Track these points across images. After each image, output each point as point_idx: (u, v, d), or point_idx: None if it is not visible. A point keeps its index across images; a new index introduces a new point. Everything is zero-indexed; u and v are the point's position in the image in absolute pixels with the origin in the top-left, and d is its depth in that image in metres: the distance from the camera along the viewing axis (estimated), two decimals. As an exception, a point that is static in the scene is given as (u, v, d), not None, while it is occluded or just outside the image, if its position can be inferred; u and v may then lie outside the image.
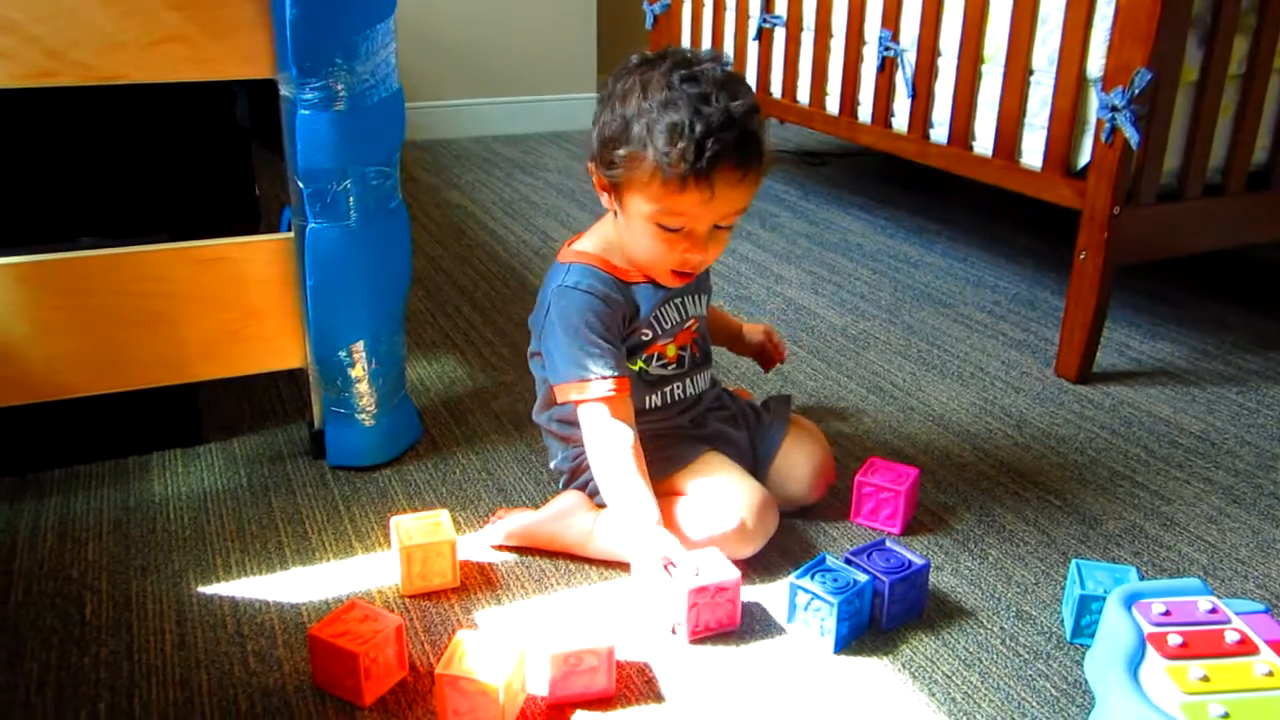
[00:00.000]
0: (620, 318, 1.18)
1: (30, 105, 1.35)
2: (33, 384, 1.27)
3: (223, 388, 1.52)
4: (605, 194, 1.17)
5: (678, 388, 1.26)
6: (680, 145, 1.06)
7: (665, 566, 1.08)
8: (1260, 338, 1.90)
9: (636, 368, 1.22)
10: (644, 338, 1.22)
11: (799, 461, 1.29)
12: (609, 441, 1.14)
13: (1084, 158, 1.66)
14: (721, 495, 1.17)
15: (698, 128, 1.06)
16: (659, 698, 1.00)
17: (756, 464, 1.28)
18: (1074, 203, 1.66)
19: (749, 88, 1.13)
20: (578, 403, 1.16)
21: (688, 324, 1.25)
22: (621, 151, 1.10)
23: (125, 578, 1.15)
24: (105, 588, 1.13)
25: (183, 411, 1.43)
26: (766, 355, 1.48)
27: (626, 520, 1.13)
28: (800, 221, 2.57)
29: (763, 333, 1.48)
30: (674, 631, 1.08)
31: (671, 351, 1.24)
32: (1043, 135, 1.72)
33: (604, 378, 1.14)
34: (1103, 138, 1.57)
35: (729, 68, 1.14)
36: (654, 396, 1.24)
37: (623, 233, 1.18)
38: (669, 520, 1.16)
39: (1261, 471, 1.44)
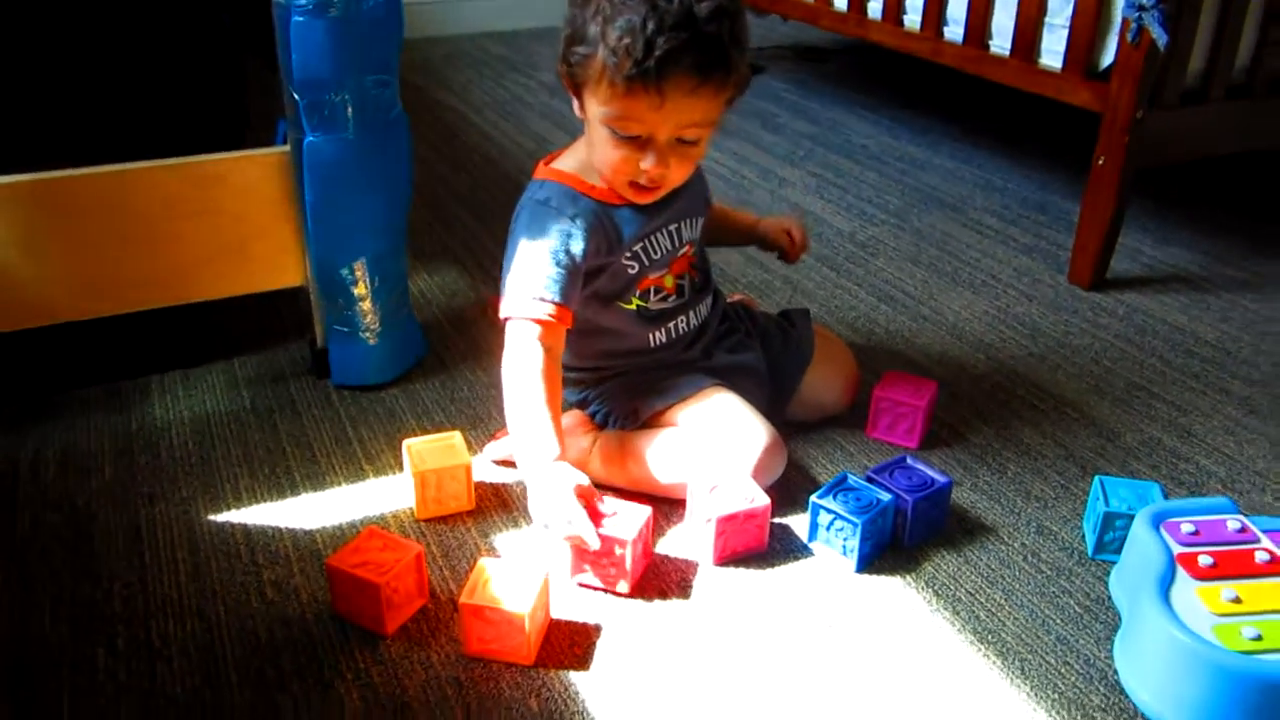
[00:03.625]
0: (593, 243, 1.10)
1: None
2: (24, 309, 1.22)
3: (219, 307, 1.47)
4: (573, 98, 1.09)
5: (681, 321, 1.20)
6: (627, 43, 0.98)
7: (587, 508, 1.01)
8: (1272, 242, 1.87)
9: (633, 306, 1.16)
10: (630, 271, 1.14)
11: (830, 374, 1.28)
12: (523, 365, 1.06)
13: (1107, 59, 1.60)
14: (725, 438, 1.12)
15: (649, 25, 0.97)
16: (685, 619, 0.99)
17: (785, 381, 1.25)
18: (1095, 105, 1.60)
19: None
20: (509, 319, 1.08)
21: (682, 251, 1.18)
22: (579, 50, 1.03)
23: (133, 506, 1.13)
24: (113, 517, 1.11)
25: (179, 332, 1.39)
26: (786, 249, 1.35)
27: (524, 453, 1.06)
28: (802, 122, 2.50)
29: (782, 231, 1.34)
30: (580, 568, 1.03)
31: (670, 282, 1.18)
32: (1063, 35, 1.66)
33: (544, 300, 1.07)
34: (1128, 38, 1.51)
35: None
36: (657, 333, 1.19)
37: (589, 140, 1.10)
38: (657, 456, 1.13)
39: (1278, 381, 1.43)
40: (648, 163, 1.04)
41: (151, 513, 1.12)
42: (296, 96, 1.19)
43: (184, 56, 1.43)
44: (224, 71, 1.47)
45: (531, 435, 1.05)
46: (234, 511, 1.12)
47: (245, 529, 1.10)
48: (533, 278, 1.08)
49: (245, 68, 1.56)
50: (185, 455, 1.21)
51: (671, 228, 1.16)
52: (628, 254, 1.13)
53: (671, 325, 1.19)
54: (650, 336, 1.19)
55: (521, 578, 0.95)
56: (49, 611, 0.99)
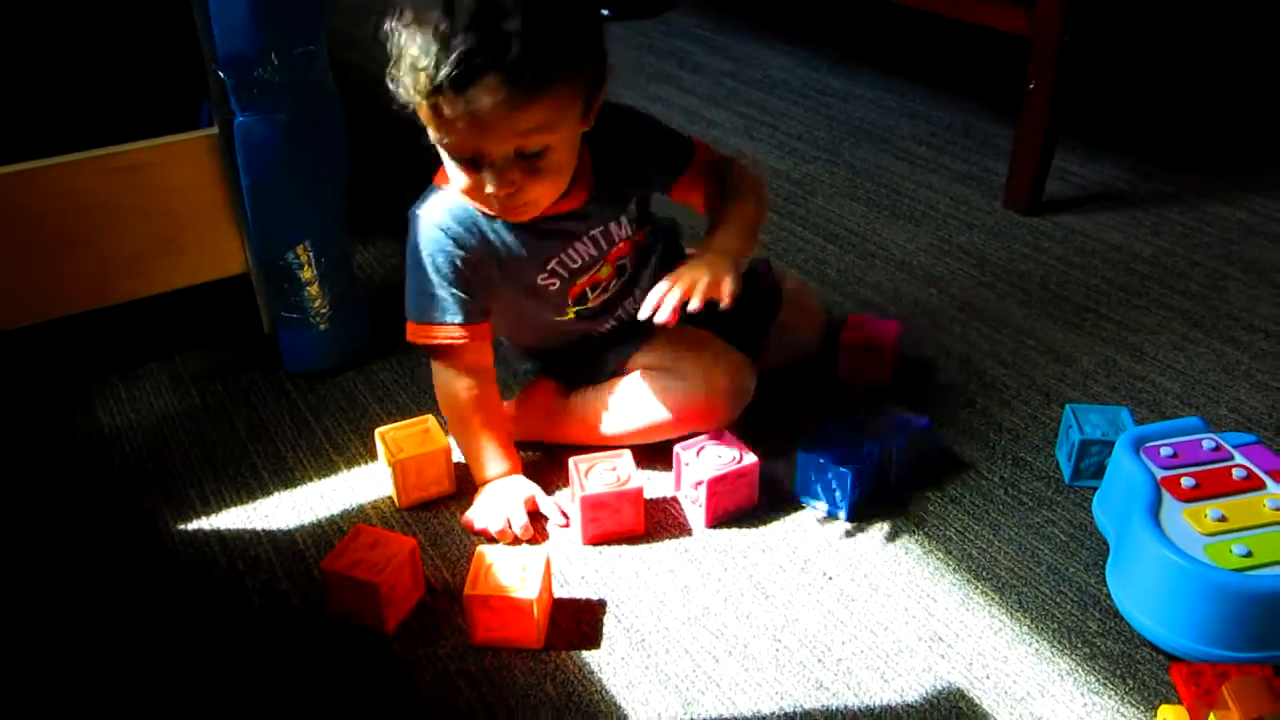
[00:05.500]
0: (479, 261, 1.01)
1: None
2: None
3: (152, 301, 1.40)
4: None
5: (629, 302, 1.12)
6: (419, 59, 0.85)
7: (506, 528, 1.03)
8: (1191, 153, 1.93)
9: (570, 315, 1.09)
10: (553, 287, 1.04)
11: (797, 317, 1.26)
12: (451, 398, 1.06)
13: (1031, -19, 1.60)
14: (691, 367, 1.09)
15: (440, 33, 0.83)
16: (686, 585, 0.99)
17: (755, 332, 1.24)
18: (1023, 30, 1.61)
19: None
20: (422, 344, 1.04)
21: (617, 246, 1.07)
22: (391, 71, 0.90)
23: (94, 523, 1.07)
24: (75, 538, 1.05)
25: (111, 332, 1.31)
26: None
27: (475, 471, 1.08)
28: (719, 59, 2.47)
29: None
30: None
31: (605, 272, 1.08)
32: (986, -42, 1.66)
33: (446, 324, 1.02)
34: (1053, -41, 1.51)
35: None
36: (608, 322, 1.13)
37: None
38: (633, 396, 1.11)
39: (1214, 293, 1.48)
40: (490, 185, 0.92)
41: (116, 528, 1.06)
42: (223, 75, 1.12)
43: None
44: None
45: (477, 460, 1.08)
46: (204, 519, 1.07)
47: (220, 536, 1.05)
48: (428, 301, 1.02)
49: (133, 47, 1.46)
50: (140, 463, 1.15)
51: (591, 236, 1.04)
52: (543, 274, 1.04)
53: (620, 309, 1.13)
54: (597, 325, 1.13)
55: (523, 562, 0.93)
56: (23, 647, 0.93)
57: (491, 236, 1.01)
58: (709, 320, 1.20)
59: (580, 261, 1.05)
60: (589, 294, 1.09)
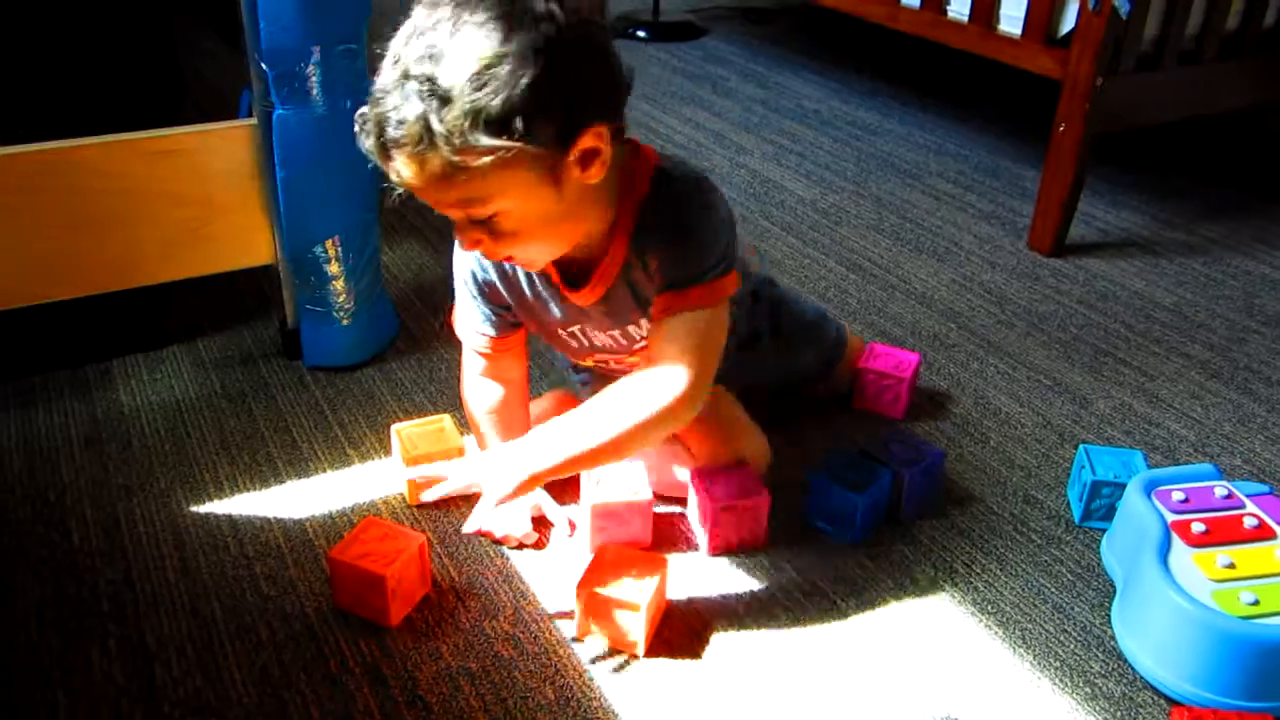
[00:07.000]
0: (507, 296, 1.00)
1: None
2: (-24, 292, 1.16)
3: (178, 285, 1.42)
4: None
5: None
6: (362, 111, 0.81)
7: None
8: (1216, 205, 1.93)
9: (588, 363, 1.09)
10: (571, 343, 1.04)
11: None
12: (471, 396, 1.07)
13: (1066, 25, 1.61)
14: (728, 438, 1.08)
15: (375, 90, 0.80)
16: (692, 605, 0.99)
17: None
18: (1054, 72, 1.62)
19: (503, 33, 0.76)
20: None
21: (639, 349, 1.02)
22: None
23: (109, 499, 1.08)
24: (90, 511, 1.06)
25: (140, 312, 1.33)
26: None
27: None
28: (752, 86, 2.49)
29: None
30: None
31: (633, 361, 1.04)
32: (1023, 1, 1.67)
33: (479, 333, 1.02)
34: (1089, 5, 1.52)
35: None
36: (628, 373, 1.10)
37: None
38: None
39: (1235, 345, 1.47)
40: (456, 233, 0.87)
41: (129, 505, 1.07)
42: (265, 67, 1.14)
43: (105, 24, 1.33)
44: (149, 38, 1.36)
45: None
46: (217, 502, 1.08)
47: (231, 520, 1.06)
48: (467, 307, 1.02)
49: (173, 32, 1.48)
50: (158, 443, 1.17)
51: (614, 331, 1.00)
52: (564, 330, 1.02)
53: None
54: (614, 373, 1.07)
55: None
56: (34, 612, 0.94)
57: (521, 275, 0.97)
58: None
59: (603, 344, 1.02)
60: (611, 363, 1.07)
